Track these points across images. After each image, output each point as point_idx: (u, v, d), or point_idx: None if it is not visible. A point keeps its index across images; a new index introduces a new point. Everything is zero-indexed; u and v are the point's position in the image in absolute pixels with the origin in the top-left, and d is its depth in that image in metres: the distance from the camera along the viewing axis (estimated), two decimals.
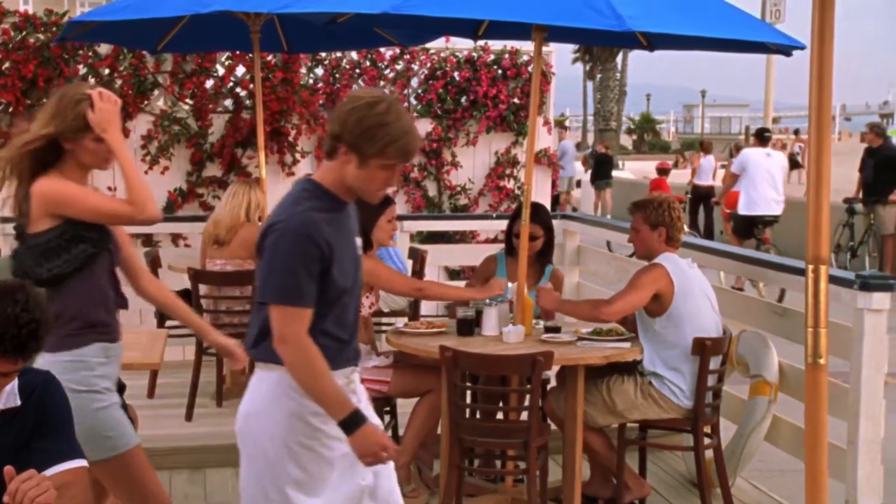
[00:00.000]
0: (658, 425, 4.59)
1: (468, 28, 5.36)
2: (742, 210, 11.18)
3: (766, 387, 4.73)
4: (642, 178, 22.69)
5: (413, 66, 9.81)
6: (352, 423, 2.69)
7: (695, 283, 4.45)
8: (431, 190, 9.91)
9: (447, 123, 9.83)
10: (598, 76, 32.56)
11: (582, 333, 4.58)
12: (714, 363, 4.47)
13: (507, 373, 4.35)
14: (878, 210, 12.49)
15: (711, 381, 4.48)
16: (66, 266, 3.09)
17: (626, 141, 54.40)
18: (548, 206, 10.36)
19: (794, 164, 24.10)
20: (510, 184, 9.94)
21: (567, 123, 61.91)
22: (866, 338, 4.10)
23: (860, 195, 12.97)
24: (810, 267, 1.84)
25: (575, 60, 39.54)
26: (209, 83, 7.95)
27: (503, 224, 7.56)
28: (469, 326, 4.61)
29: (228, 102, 8.14)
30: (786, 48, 4.35)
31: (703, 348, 4.36)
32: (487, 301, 4.71)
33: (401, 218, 7.23)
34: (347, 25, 5.74)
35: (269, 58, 8.03)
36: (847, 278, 4.20)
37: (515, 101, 9.82)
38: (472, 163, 9.81)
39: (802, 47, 4.22)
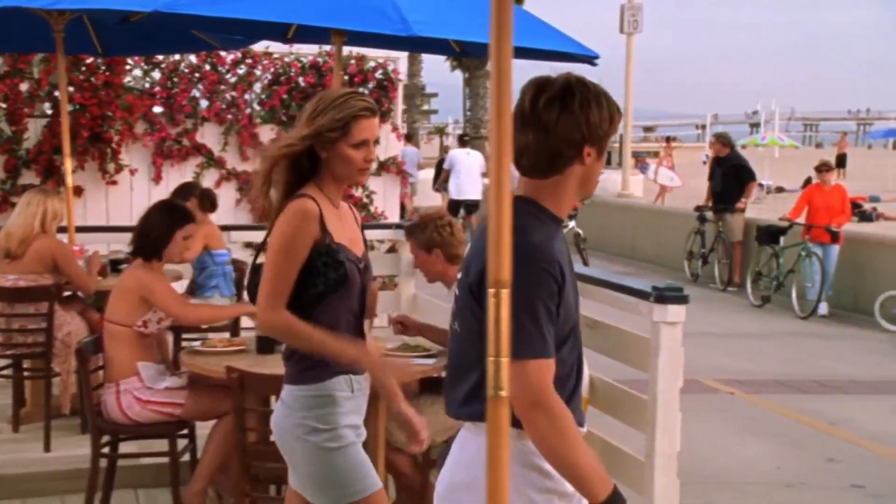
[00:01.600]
0: None
1: (278, 31, 5.19)
2: (452, 196, 14.32)
3: None
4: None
5: (256, 70, 9.55)
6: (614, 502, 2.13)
7: None
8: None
9: None
10: (465, 85, 32.79)
11: (387, 349, 4.44)
12: None
13: None
14: (727, 218, 12.77)
15: None
16: (317, 290, 2.85)
17: None
18: (396, 213, 10.28)
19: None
20: (358, 191, 9.77)
21: (449, 130, 62.01)
22: (662, 351, 4.05)
23: (710, 203, 13.25)
24: (491, 291, 1.71)
25: (454, 68, 39.59)
26: (24, 86, 7.51)
27: None
28: (269, 343, 4.41)
29: (47, 106, 7.71)
30: (587, 58, 4.32)
31: None
32: None
33: (227, 228, 6.97)
34: (162, 28, 5.48)
35: (91, 59, 7.65)
36: (644, 290, 4.15)
37: None
38: None
39: (597, 56, 4.22)
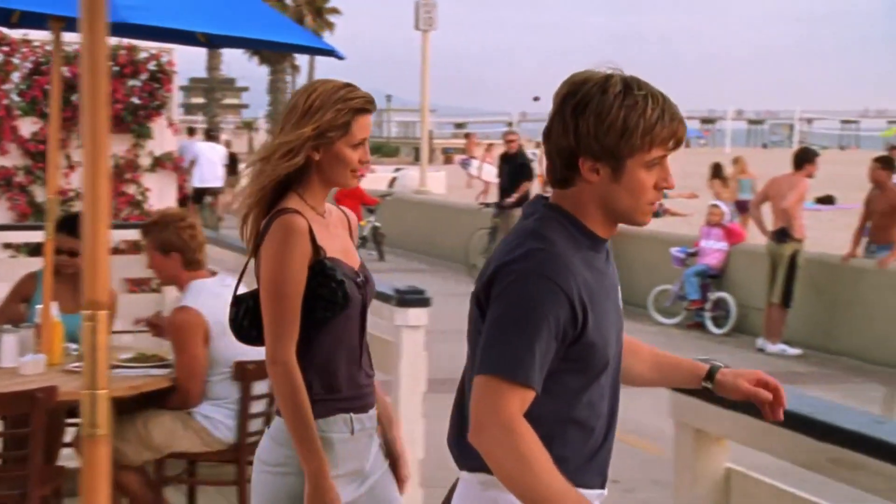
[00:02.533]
0: (202, 458, 4.23)
1: (1, 16, 4.76)
2: (195, 184, 15.90)
3: None
4: None
5: (13, 59, 8.89)
6: None
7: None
8: (40, 196, 9.03)
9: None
10: (269, 79, 32.37)
11: (119, 360, 4.14)
12: (263, 387, 4.18)
13: None
14: (512, 214, 12.97)
15: (261, 406, 4.19)
16: (315, 316, 2.48)
17: None
18: None
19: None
20: (132, 189, 9.30)
21: (258, 125, 60.73)
22: (404, 355, 3.97)
23: (499, 199, 13.44)
24: (86, 314, 1.50)
25: (260, 63, 38.94)
26: None
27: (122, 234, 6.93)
28: None
29: None
30: (326, 52, 4.18)
31: (244, 373, 4.05)
32: (6, 326, 4.18)
33: None
34: None
35: None
36: (386, 294, 4.04)
37: (135, 100, 9.18)
38: None
39: (333, 49, 4.11)
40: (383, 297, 4.10)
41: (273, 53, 28.66)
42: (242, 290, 2.70)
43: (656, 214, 21.11)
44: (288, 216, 2.48)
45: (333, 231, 2.62)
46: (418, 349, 3.99)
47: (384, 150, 47.05)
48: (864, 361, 8.85)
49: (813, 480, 2.27)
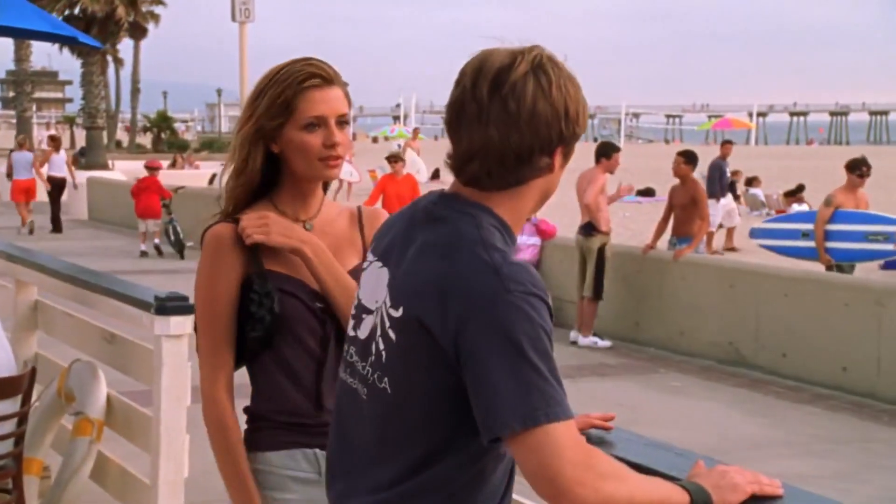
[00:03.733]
0: None
1: None
2: None
3: (89, 425, 4.18)
4: (133, 179, 21.89)
5: None
6: None
7: None
8: None
9: None
10: (81, 72, 31.08)
11: None
12: (9, 406, 3.83)
13: None
14: None
15: (8, 427, 3.83)
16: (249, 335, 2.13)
17: (146, 139, 52.64)
18: None
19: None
20: None
21: (79, 120, 58.18)
22: (165, 367, 3.68)
23: None
24: None
25: (78, 56, 37.27)
26: None
27: None
28: None
29: None
30: (72, 40, 3.87)
31: None
32: None
33: None
34: None
35: None
36: (144, 301, 3.76)
37: None
38: None
39: (75, 37, 3.81)
40: (141, 305, 3.83)
41: (85, 46, 27.42)
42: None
43: None
44: (213, 228, 2.18)
45: (320, 238, 2.21)
46: (181, 360, 3.71)
47: (216, 146, 46.16)
48: (668, 352, 9.06)
49: None
